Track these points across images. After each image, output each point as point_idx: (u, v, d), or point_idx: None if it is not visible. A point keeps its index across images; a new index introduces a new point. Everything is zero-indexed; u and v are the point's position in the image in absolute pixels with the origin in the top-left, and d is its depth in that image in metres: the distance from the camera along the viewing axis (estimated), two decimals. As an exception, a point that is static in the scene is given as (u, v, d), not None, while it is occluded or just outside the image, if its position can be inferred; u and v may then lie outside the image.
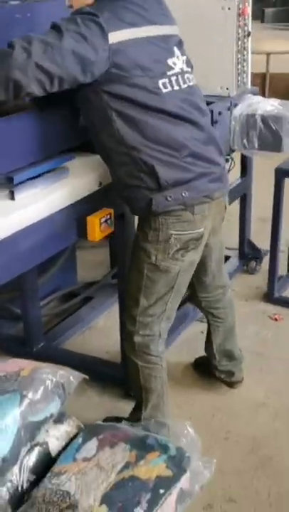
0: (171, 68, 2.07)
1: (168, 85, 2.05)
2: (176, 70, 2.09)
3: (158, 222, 2.09)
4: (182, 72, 2.11)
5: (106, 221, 2.17)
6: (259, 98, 3.25)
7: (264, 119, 3.05)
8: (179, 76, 2.09)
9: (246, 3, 3.11)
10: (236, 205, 3.60)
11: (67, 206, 2.07)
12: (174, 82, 2.07)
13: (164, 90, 2.03)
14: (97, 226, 2.14)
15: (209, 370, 2.79)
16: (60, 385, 2.12)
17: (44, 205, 1.98)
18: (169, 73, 2.06)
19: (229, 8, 3.03)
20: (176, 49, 2.12)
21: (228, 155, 3.18)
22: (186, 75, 2.13)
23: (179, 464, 2.05)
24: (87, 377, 2.20)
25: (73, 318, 3.23)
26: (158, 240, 2.12)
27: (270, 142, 3.07)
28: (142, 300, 2.23)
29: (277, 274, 3.43)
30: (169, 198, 2.05)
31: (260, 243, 3.74)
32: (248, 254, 3.74)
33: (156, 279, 2.19)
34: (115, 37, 1.93)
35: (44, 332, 3.06)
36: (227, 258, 3.74)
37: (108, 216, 2.18)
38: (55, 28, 1.92)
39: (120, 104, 1.99)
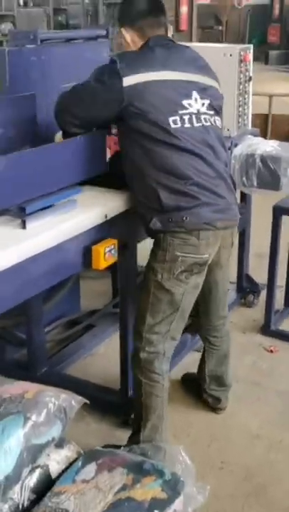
0: (184, 108, 2.31)
1: (178, 122, 2.28)
2: (191, 110, 2.33)
3: (166, 242, 2.30)
4: (198, 113, 2.34)
5: (110, 251, 2.30)
6: (259, 139, 3.42)
7: (263, 159, 3.20)
8: (193, 116, 2.32)
9: (247, 51, 3.29)
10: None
11: (75, 236, 2.21)
12: (186, 120, 2.30)
13: (173, 126, 2.27)
14: (102, 255, 2.26)
15: (197, 390, 2.90)
16: (63, 408, 2.20)
17: (53, 235, 2.11)
18: (180, 112, 2.30)
19: (231, 55, 3.21)
20: (195, 93, 2.36)
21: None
22: (203, 116, 2.36)
23: (173, 487, 2.13)
24: (87, 401, 2.28)
25: (75, 345, 3.35)
26: (165, 260, 2.31)
27: (269, 181, 3.22)
28: (148, 317, 2.40)
29: (274, 307, 3.54)
30: (170, 220, 2.27)
31: (257, 277, 3.86)
32: (246, 287, 3.87)
33: (161, 297, 2.36)
34: (130, 80, 2.23)
35: (48, 357, 3.16)
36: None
37: (112, 246, 2.31)
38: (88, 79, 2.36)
39: (137, 135, 2.28)
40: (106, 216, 2.35)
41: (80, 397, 2.26)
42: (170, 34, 2.58)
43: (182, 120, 2.29)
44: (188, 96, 2.34)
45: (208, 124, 2.38)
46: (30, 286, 2.09)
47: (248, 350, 3.41)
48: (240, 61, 3.24)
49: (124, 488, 2.12)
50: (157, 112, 2.26)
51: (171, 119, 2.27)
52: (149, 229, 2.34)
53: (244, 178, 3.25)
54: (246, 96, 3.37)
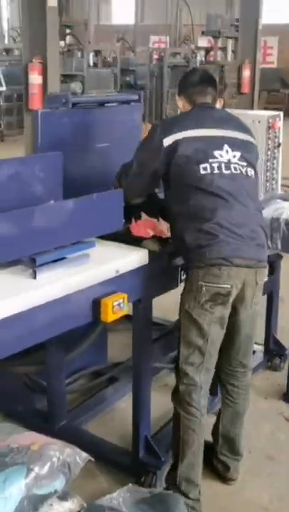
0: (215, 157, 2.58)
1: (208, 169, 2.55)
2: (221, 159, 2.58)
3: (192, 274, 2.52)
4: (228, 162, 2.59)
5: (119, 305, 2.36)
6: (287, 204, 3.44)
7: (287, 223, 3.22)
8: (223, 164, 2.57)
9: (277, 118, 3.37)
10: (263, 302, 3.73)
11: (84, 289, 2.29)
12: (215, 167, 2.56)
13: (202, 172, 2.54)
14: (110, 309, 2.33)
15: (210, 458, 2.86)
16: (67, 463, 2.24)
17: (62, 286, 2.21)
18: (211, 160, 2.57)
19: (259, 122, 3.30)
20: (226, 146, 2.63)
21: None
22: (233, 165, 2.60)
23: None
24: (92, 459, 2.30)
25: (97, 398, 3.38)
26: (191, 290, 2.52)
27: (293, 244, 3.24)
28: (182, 349, 2.58)
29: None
30: (192, 257, 2.51)
31: (287, 342, 3.81)
32: (273, 350, 3.82)
33: (190, 327, 2.54)
34: (168, 140, 2.58)
35: (69, 409, 3.20)
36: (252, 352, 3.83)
37: (121, 300, 2.38)
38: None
39: (173, 183, 2.61)
40: (117, 271, 2.43)
41: (86, 454, 2.29)
42: (219, 105, 2.86)
43: (212, 167, 2.55)
44: (220, 148, 2.61)
45: (238, 172, 2.60)
46: (35, 334, 2.17)
47: (267, 417, 3.35)
48: (269, 128, 3.32)
49: None
50: (190, 161, 2.56)
51: (201, 166, 2.55)
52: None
53: (269, 242, 3.26)
54: (275, 161, 3.43)
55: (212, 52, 17.42)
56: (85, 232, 2.44)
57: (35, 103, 8.19)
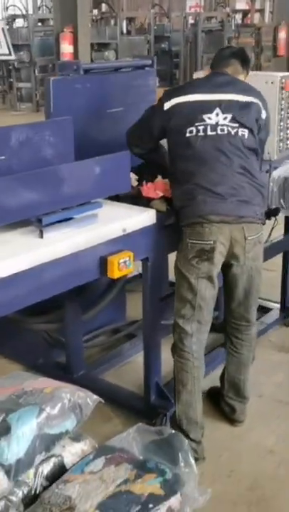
0: (203, 120, 2.74)
1: (194, 131, 2.72)
2: (209, 122, 2.74)
3: (183, 232, 2.70)
4: (215, 125, 2.73)
5: (125, 262, 2.51)
6: (301, 163, 3.50)
7: (297, 183, 3.29)
8: (208, 126, 2.73)
9: (290, 79, 3.40)
10: (279, 259, 3.82)
11: (91, 247, 2.45)
12: (200, 130, 2.72)
13: (188, 135, 2.73)
14: (116, 266, 2.47)
15: (218, 401, 3.02)
16: (78, 405, 2.40)
17: (68, 244, 2.36)
18: (197, 124, 2.73)
19: (272, 82, 3.34)
20: (217, 109, 2.77)
21: (274, 215, 3.46)
22: (220, 127, 2.74)
23: (172, 486, 2.29)
24: (103, 401, 2.46)
25: (115, 352, 3.57)
26: (182, 248, 2.70)
27: (304, 204, 3.31)
28: (175, 303, 2.77)
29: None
30: (178, 217, 2.71)
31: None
32: (288, 308, 3.91)
33: (181, 283, 2.71)
34: (167, 105, 2.81)
35: (88, 362, 3.40)
36: (268, 310, 3.94)
37: (128, 258, 2.52)
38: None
39: (170, 145, 2.84)
40: (124, 230, 2.57)
41: (96, 397, 2.44)
42: (242, 77, 2.96)
43: (197, 130, 2.72)
44: (210, 111, 2.75)
45: (225, 133, 2.73)
46: (44, 289, 2.33)
47: (279, 368, 3.47)
48: (282, 88, 3.36)
49: (125, 481, 2.31)
50: (180, 126, 2.75)
51: (188, 130, 2.73)
52: None
53: (282, 200, 3.35)
54: (288, 121, 3.47)
55: (249, 15, 17.14)
56: (91, 194, 2.57)
57: (66, 72, 8.24)
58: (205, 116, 2.74)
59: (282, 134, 3.45)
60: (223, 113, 2.75)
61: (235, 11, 16.80)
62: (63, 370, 3.31)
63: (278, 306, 3.93)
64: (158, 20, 17.21)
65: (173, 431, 2.53)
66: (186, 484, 2.33)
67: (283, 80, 3.36)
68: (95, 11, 13.96)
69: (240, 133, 2.75)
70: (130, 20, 14.95)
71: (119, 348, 3.60)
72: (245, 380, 2.98)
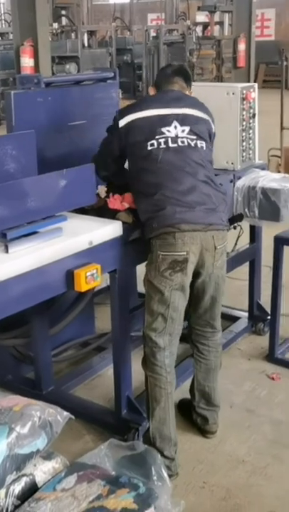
0: (162, 134, 2.76)
1: (155, 144, 2.75)
2: (169, 134, 2.76)
3: (152, 245, 2.67)
4: (176, 137, 2.77)
5: (92, 275, 2.48)
6: (264, 172, 3.54)
7: (263, 191, 3.33)
8: (169, 139, 2.76)
9: (251, 89, 3.45)
10: (246, 268, 3.85)
11: (57, 260, 2.42)
12: (162, 143, 2.75)
13: (149, 148, 2.74)
14: (83, 279, 2.45)
15: (190, 413, 3.02)
16: (48, 422, 2.36)
17: (34, 259, 2.34)
18: (157, 137, 2.76)
19: (233, 93, 3.38)
20: (175, 122, 2.81)
21: (237, 222, 3.49)
22: (181, 139, 2.77)
23: (145, 500, 2.26)
24: (73, 417, 2.43)
25: (85, 366, 3.54)
26: (152, 261, 2.68)
27: (269, 212, 3.34)
28: (146, 316, 2.75)
29: (278, 335, 3.61)
30: (146, 229, 2.68)
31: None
32: (256, 316, 3.94)
33: (153, 295, 2.69)
34: (122, 122, 2.82)
35: (56, 377, 3.35)
36: (237, 319, 3.97)
37: (95, 271, 2.50)
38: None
39: (130, 161, 2.85)
40: (90, 243, 2.55)
41: (67, 413, 2.41)
42: (188, 93, 3.01)
43: (158, 143, 2.74)
44: (168, 124, 2.79)
45: (185, 144, 2.77)
46: (10, 304, 2.29)
47: (249, 376, 3.49)
48: (243, 99, 3.40)
49: (98, 497, 2.28)
50: (139, 139, 2.77)
51: (149, 143, 2.75)
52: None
53: (246, 209, 3.38)
54: (251, 131, 3.51)
55: (209, 28, 17.35)
56: (56, 207, 2.55)
57: (27, 86, 8.22)
58: (164, 129, 2.77)
59: (244, 144, 3.49)
60: (180, 125, 2.80)
61: (196, 24, 16.98)
62: (32, 386, 3.27)
63: (246, 314, 3.96)
64: (120, 33, 17.33)
65: (145, 446, 2.51)
66: (159, 497, 2.31)
67: (244, 91, 3.40)
68: (55, 25, 13.94)
69: (199, 144, 2.80)
70: (91, 33, 14.98)
71: (89, 362, 3.57)
72: (214, 388, 2.99)
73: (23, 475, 2.31)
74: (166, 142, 2.74)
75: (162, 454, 2.66)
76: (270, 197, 3.31)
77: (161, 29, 14.94)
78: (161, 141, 2.74)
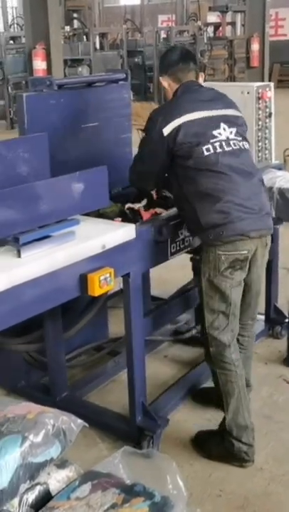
0: (215, 137, 2.72)
1: (211, 149, 2.69)
2: (221, 138, 2.73)
3: (208, 246, 2.70)
4: (227, 140, 2.74)
5: (105, 279, 2.44)
6: (281, 173, 3.48)
7: (280, 192, 3.27)
8: (223, 142, 2.72)
9: (267, 88, 3.39)
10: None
11: (70, 265, 2.37)
12: (217, 147, 2.71)
13: (206, 153, 2.68)
14: (97, 283, 2.40)
15: (217, 401, 2.98)
16: (62, 430, 2.31)
17: (47, 263, 2.29)
18: (212, 141, 2.71)
19: (248, 93, 3.32)
20: (222, 124, 2.77)
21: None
22: (232, 141, 2.75)
23: (160, 508, 2.21)
24: (87, 425, 2.38)
25: (99, 371, 3.49)
26: (209, 260, 2.70)
27: (287, 213, 3.28)
28: (207, 316, 2.79)
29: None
30: (210, 236, 2.66)
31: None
32: (273, 319, 3.88)
33: (213, 295, 2.73)
34: (167, 129, 2.70)
35: (70, 382, 3.31)
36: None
37: (108, 275, 2.45)
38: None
39: (180, 169, 2.74)
40: (104, 247, 2.50)
41: (81, 421, 2.36)
42: (201, 79, 2.97)
43: (214, 147, 2.70)
44: (217, 127, 2.75)
45: (237, 147, 2.75)
46: (23, 310, 2.25)
47: (266, 381, 3.42)
48: (258, 98, 3.34)
49: (113, 506, 2.23)
50: (192, 145, 2.69)
51: (204, 148, 2.69)
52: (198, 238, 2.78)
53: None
54: (267, 131, 3.45)
55: (221, 28, 17.28)
56: (69, 210, 2.50)
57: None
58: (215, 132, 2.73)
59: (260, 144, 3.43)
60: (228, 127, 2.77)
61: (207, 24, 16.92)
62: (46, 392, 3.23)
63: (263, 317, 3.88)
64: (130, 35, 17.32)
65: (160, 453, 2.47)
66: (175, 506, 2.25)
67: (259, 90, 3.35)
68: (67, 28, 13.96)
69: (246, 146, 2.81)
70: (103, 35, 14.98)
71: (103, 367, 3.52)
72: (250, 372, 3.08)
73: (37, 484, 2.26)
74: (221, 146, 2.70)
75: (241, 441, 2.78)
76: (287, 197, 3.25)
77: (172, 30, 14.91)
78: (216, 145, 2.70)
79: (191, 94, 2.83)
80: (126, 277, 2.70)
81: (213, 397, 3.06)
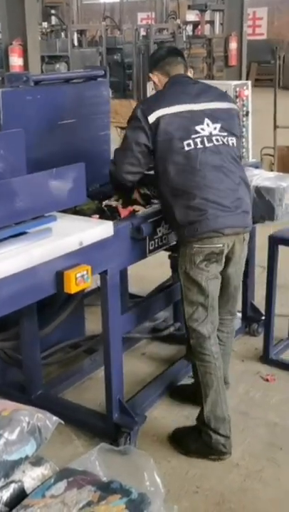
0: (197, 132, 2.70)
1: (192, 144, 2.69)
2: (203, 133, 2.72)
3: (184, 238, 2.72)
4: (210, 135, 2.73)
5: (82, 276, 2.42)
6: (258, 171, 3.49)
7: (257, 190, 3.27)
8: (205, 138, 2.71)
9: (244, 87, 3.40)
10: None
11: (47, 261, 2.35)
12: (198, 142, 2.69)
13: (187, 148, 2.68)
14: (73, 280, 2.38)
15: (194, 399, 3.00)
16: (37, 428, 2.29)
17: (23, 260, 2.27)
18: (193, 136, 2.70)
19: (226, 91, 3.31)
20: (207, 119, 2.76)
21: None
22: (215, 137, 2.74)
23: (137, 506, 2.20)
24: (62, 422, 2.36)
25: (75, 369, 3.47)
26: (186, 253, 2.74)
27: (264, 212, 3.29)
28: (186, 308, 2.82)
29: (273, 335, 3.56)
30: (185, 232, 2.68)
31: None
32: (250, 317, 3.90)
33: (190, 287, 2.76)
34: (152, 117, 2.71)
35: (46, 380, 3.29)
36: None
37: (85, 272, 2.43)
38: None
39: (161, 161, 2.73)
40: (81, 243, 2.49)
41: (56, 418, 2.34)
42: (190, 74, 2.99)
43: (195, 143, 2.69)
44: (201, 122, 2.74)
45: (220, 143, 2.74)
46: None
47: (243, 378, 3.44)
48: (236, 97, 3.36)
49: (89, 504, 2.21)
50: (173, 138, 2.69)
51: (185, 143, 2.69)
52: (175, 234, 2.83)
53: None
54: (244, 130, 3.46)
55: (200, 27, 17.33)
56: (46, 207, 2.48)
57: (17, 85, 8.23)
58: (198, 128, 2.72)
59: (238, 142, 3.42)
60: (212, 123, 2.76)
61: (186, 23, 16.96)
62: (21, 390, 3.20)
63: (240, 315, 3.90)
64: (110, 32, 17.27)
65: (137, 450, 2.47)
66: (152, 503, 2.25)
67: (237, 89, 3.36)
68: (45, 24, 13.88)
69: (230, 142, 2.79)
70: (81, 32, 14.93)
71: (79, 364, 3.50)
72: (226, 369, 3.11)
73: (12, 482, 2.24)
74: (202, 142, 2.69)
75: (218, 433, 2.81)
76: (264, 196, 3.26)
77: (151, 28, 14.91)
78: (198, 140, 2.69)
79: (178, 87, 2.85)
80: (103, 275, 2.69)
81: (191, 395, 3.08)
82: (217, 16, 17.20)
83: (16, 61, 8.25)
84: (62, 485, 2.29)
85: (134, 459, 2.47)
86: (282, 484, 2.69)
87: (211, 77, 16.06)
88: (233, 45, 13.25)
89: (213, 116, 2.77)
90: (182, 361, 3.43)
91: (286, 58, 19.87)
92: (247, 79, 14.28)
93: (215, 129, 2.75)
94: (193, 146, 2.68)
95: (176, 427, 3.02)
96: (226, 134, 2.77)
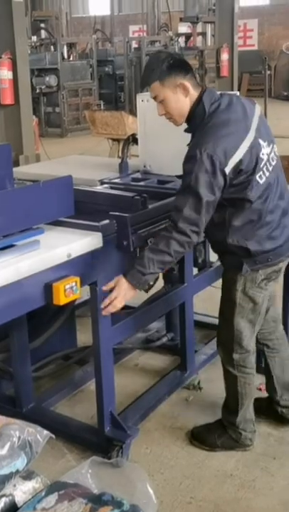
0: (262, 160, 2.54)
1: (263, 176, 2.55)
2: (265, 158, 2.57)
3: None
4: (268, 159, 2.59)
5: (71, 288, 2.42)
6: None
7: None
8: (267, 163, 2.58)
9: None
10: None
11: (35, 274, 2.35)
12: (265, 171, 2.56)
13: (260, 181, 2.55)
14: (62, 292, 2.38)
15: (270, 407, 3.11)
16: (28, 442, 2.29)
17: (11, 272, 2.26)
18: (261, 165, 2.54)
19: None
20: (261, 141, 2.55)
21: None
22: (271, 156, 2.62)
23: (130, 517, 2.20)
24: (53, 436, 2.35)
25: (66, 381, 3.45)
26: (246, 275, 2.68)
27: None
28: (236, 324, 2.78)
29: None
30: (256, 262, 2.65)
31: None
32: None
33: (245, 305, 2.74)
34: (229, 167, 2.44)
35: (37, 393, 3.27)
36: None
37: (74, 284, 2.43)
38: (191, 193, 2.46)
39: (228, 199, 2.54)
40: (69, 255, 2.48)
41: (47, 432, 2.33)
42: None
43: (264, 172, 2.56)
44: (260, 148, 2.55)
45: (275, 162, 2.65)
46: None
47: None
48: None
49: (80, 516, 2.21)
50: (246, 177, 2.50)
51: (257, 176, 2.53)
52: (232, 267, 2.71)
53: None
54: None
55: (192, 38, 17.43)
56: (33, 220, 2.48)
57: (7, 98, 8.39)
58: (261, 155, 2.53)
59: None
60: (264, 141, 2.56)
61: (178, 35, 17.05)
62: (12, 404, 3.17)
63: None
64: (101, 45, 17.36)
65: (129, 462, 2.46)
66: (144, 514, 2.25)
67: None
68: (34, 38, 13.96)
69: (276, 153, 2.69)
70: (71, 45, 15.00)
71: (71, 377, 3.48)
72: None
73: (3, 495, 2.24)
74: (267, 169, 2.57)
75: (246, 431, 2.91)
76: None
77: (143, 40, 14.99)
78: (264, 169, 2.55)
79: (230, 110, 2.51)
80: (93, 286, 2.69)
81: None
82: (209, 28, 17.29)
83: (5, 74, 8.32)
84: (53, 498, 2.29)
85: (126, 471, 2.47)
86: (275, 494, 2.67)
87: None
88: (225, 56, 13.36)
89: (260, 132, 2.55)
90: (175, 372, 3.42)
91: (277, 68, 20.04)
92: (239, 89, 14.44)
93: (268, 146, 2.58)
94: (264, 178, 2.55)
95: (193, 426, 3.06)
96: (273, 147, 2.63)
